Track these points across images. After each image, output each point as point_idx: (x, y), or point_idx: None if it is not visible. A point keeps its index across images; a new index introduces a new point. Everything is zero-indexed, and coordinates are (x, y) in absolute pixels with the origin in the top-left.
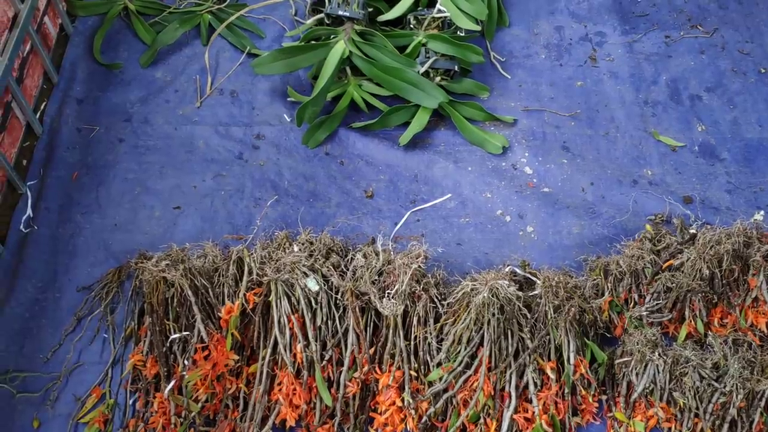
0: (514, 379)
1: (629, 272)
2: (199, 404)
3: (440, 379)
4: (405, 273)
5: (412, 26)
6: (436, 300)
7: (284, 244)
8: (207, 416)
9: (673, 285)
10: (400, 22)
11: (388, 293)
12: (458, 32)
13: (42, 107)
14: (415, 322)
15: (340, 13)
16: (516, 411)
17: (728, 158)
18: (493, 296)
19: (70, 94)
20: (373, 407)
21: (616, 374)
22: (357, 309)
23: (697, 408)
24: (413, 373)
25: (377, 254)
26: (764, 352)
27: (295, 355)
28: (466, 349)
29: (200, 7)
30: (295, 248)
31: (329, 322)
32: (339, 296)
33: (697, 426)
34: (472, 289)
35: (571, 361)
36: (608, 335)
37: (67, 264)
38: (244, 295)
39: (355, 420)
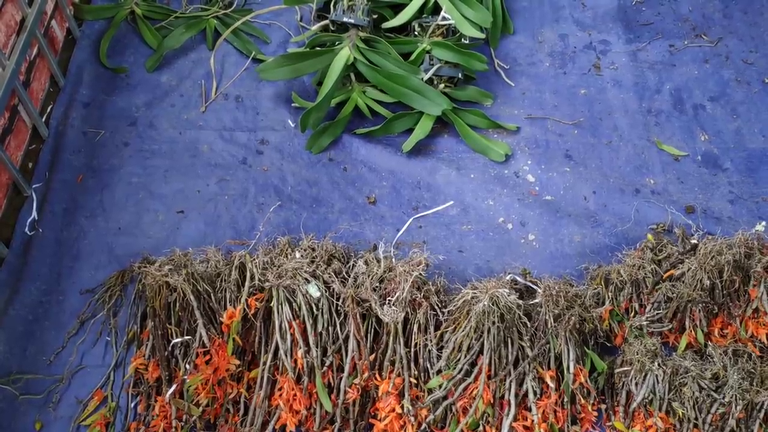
0: (513, 387)
1: (630, 281)
2: (200, 408)
3: (440, 386)
4: (406, 280)
5: (416, 33)
6: (436, 307)
7: (286, 250)
8: (208, 420)
9: (674, 295)
10: (404, 29)
11: (389, 300)
12: (462, 39)
13: (48, 110)
14: (415, 329)
15: (345, 19)
16: (515, 419)
17: (731, 168)
18: (493, 305)
19: (76, 98)
20: (372, 414)
21: (616, 383)
22: (358, 316)
23: (696, 418)
24: (413, 380)
25: (379, 261)
26: (764, 364)
27: (295, 361)
28: (466, 356)
29: (206, 12)
30: (297, 254)
31: (330, 328)
32: (340, 303)
33: None
34: (472, 297)
35: (571, 369)
36: (608, 344)
37: (70, 267)
38: (246, 300)
39: (354, 426)
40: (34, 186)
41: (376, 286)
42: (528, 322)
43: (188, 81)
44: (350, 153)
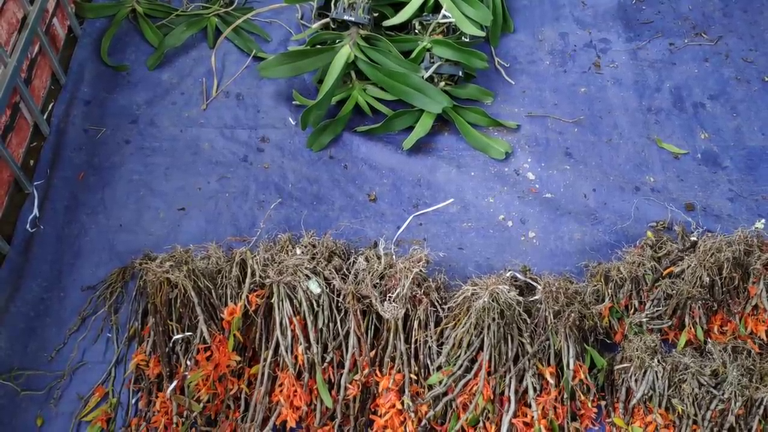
0: (513, 383)
1: (630, 279)
2: (201, 404)
3: (440, 382)
4: (406, 277)
5: (417, 31)
6: (436, 304)
7: (287, 247)
8: (208, 416)
9: (674, 292)
10: (405, 27)
11: (390, 297)
12: (463, 38)
13: (49, 108)
14: (415, 325)
15: (346, 17)
16: (515, 415)
17: (731, 166)
18: (493, 301)
19: (77, 96)
20: (373, 410)
21: (616, 380)
22: (358, 312)
23: (696, 415)
24: (413, 377)
25: (379, 258)
26: (763, 360)
27: (296, 357)
28: (466, 353)
29: (207, 11)
30: (298, 251)
31: (330, 324)
32: (341, 299)
33: None
34: (472, 294)
35: (571, 366)
36: (608, 341)
37: (72, 264)
38: (247, 296)
39: (355, 422)
40: (35, 183)
41: (377, 283)
42: (528, 319)
43: (189, 79)
44: (351, 151)
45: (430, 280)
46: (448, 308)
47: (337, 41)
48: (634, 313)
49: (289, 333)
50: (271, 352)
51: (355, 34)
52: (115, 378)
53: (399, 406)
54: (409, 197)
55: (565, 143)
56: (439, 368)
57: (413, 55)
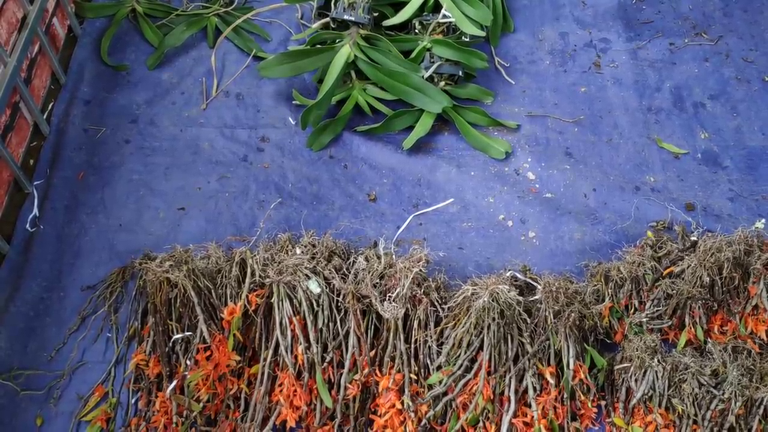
0: (513, 383)
1: (630, 278)
2: (201, 404)
3: (440, 382)
4: (406, 277)
5: (417, 31)
6: (436, 304)
7: (287, 247)
8: (208, 416)
9: (674, 292)
10: (405, 26)
11: (390, 296)
12: (463, 37)
13: (49, 108)
14: (415, 325)
15: (346, 17)
16: (515, 415)
17: (731, 166)
18: (493, 301)
19: (77, 95)
20: (372, 409)
21: (616, 380)
22: (358, 312)
23: (696, 415)
24: (413, 376)
25: (379, 258)
26: (763, 360)
27: (296, 357)
28: (466, 352)
29: (207, 10)
30: (298, 251)
31: (330, 324)
32: (340, 299)
33: None
34: (472, 294)
35: (571, 366)
36: (608, 341)
37: (71, 264)
38: (247, 296)
39: (354, 422)
40: (35, 183)
41: (377, 283)
42: (528, 319)
43: (189, 79)
44: (351, 150)
45: (430, 279)
46: (448, 308)
47: (337, 41)
48: (634, 313)
49: (288, 333)
50: (270, 352)
51: (355, 34)
52: (115, 378)
53: (399, 405)
54: (409, 197)
55: (565, 143)
56: (439, 368)
57: (413, 54)
